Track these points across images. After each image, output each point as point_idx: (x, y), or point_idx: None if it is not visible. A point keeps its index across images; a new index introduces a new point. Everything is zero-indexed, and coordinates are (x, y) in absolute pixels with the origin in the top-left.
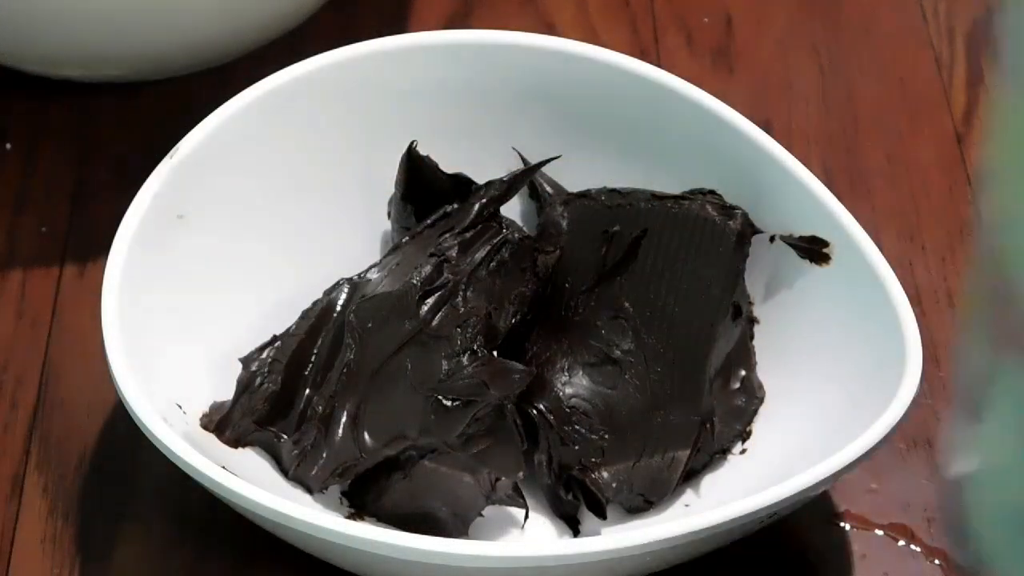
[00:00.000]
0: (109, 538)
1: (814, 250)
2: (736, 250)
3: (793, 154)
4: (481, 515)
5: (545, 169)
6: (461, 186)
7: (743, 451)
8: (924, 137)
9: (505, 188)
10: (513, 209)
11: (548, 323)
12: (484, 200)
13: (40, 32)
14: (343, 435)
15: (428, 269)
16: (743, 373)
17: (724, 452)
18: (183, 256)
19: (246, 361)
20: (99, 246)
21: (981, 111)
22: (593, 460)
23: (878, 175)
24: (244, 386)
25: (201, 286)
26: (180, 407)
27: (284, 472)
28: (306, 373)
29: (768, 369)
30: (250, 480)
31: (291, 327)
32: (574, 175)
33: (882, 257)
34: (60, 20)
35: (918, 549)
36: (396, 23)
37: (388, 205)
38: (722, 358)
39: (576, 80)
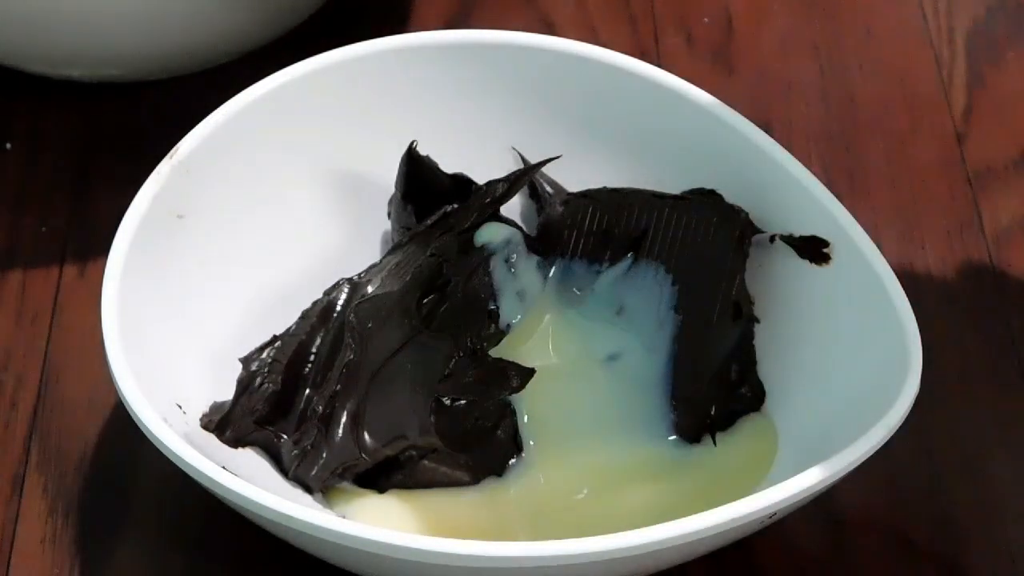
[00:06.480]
0: (109, 538)
1: (814, 250)
2: (736, 250)
3: (793, 154)
4: None
5: (545, 169)
6: (461, 186)
7: None
8: (924, 137)
9: (505, 188)
10: (513, 209)
11: None
12: (484, 200)
13: (40, 32)
14: (343, 435)
15: (428, 269)
16: (743, 373)
17: None
18: (183, 256)
19: (246, 361)
20: (99, 246)
21: (981, 111)
22: None
23: (878, 175)
24: (244, 386)
25: (201, 286)
26: (180, 407)
27: (284, 472)
28: (306, 373)
29: (768, 369)
30: (250, 480)
31: (291, 327)
32: (574, 175)
33: (882, 257)
34: (61, 20)
35: (918, 549)
36: (396, 23)
37: (388, 205)
38: (722, 358)
39: (576, 80)
